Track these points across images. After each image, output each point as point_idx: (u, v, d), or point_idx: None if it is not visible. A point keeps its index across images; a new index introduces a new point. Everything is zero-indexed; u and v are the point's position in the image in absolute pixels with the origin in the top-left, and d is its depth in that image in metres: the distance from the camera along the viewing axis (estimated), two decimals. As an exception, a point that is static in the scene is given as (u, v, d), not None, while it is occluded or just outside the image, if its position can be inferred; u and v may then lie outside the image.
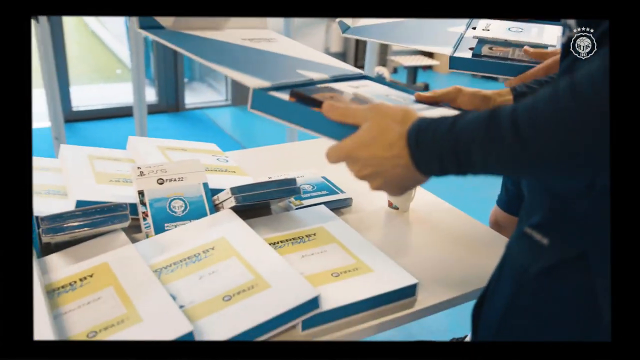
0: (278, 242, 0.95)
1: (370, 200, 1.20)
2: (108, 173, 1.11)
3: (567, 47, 0.62)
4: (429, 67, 5.68)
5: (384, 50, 5.30)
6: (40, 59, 2.41)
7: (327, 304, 0.79)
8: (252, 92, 0.72)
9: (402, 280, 0.87)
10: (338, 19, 1.24)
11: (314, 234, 0.98)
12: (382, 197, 1.20)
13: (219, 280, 0.81)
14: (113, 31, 6.96)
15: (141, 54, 2.62)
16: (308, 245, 0.95)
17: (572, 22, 0.61)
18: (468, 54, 1.17)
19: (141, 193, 0.98)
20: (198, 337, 0.71)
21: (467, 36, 1.25)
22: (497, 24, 1.29)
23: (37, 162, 1.18)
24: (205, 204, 1.02)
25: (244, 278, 0.81)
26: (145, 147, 1.24)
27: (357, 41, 5.24)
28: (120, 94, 4.75)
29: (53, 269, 0.83)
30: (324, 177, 1.24)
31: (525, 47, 1.11)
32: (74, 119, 3.94)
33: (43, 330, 0.66)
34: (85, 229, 0.86)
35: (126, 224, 0.91)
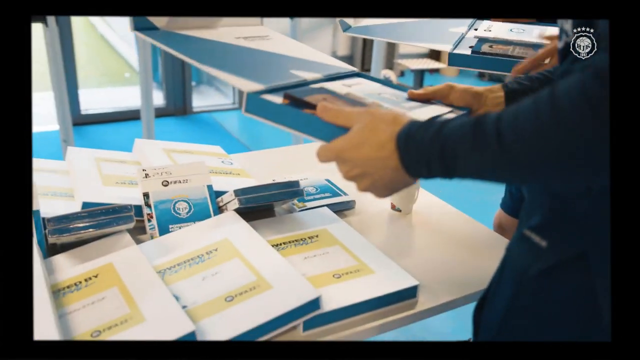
0: (281, 244, 0.96)
1: (373, 202, 1.21)
2: (114, 175, 1.13)
3: (564, 52, 0.63)
4: (436, 70, 5.68)
5: (391, 53, 5.31)
6: (49, 63, 2.44)
7: (328, 305, 0.80)
8: (246, 96, 0.73)
9: (403, 281, 0.87)
10: (339, 18, 1.24)
11: (317, 236, 0.99)
12: (384, 200, 1.21)
13: (222, 281, 0.82)
14: (121, 35, 7.01)
15: (149, 58, 2.64)
16: (310, 247, 0.96)
17: (568, 27, 0.61)
18: (467, 52, 1.18)
19: (146, 195, 0.99)
20: (200, 337, 0.71)
21: (468, 36, 1.26)
22: (499, 26, 1.30)
23: (45, 164, 1.19)
24: (209, 206, 1.03)
25: (246, 279, 0.82)
26: (151, 149, 1.25)
27: (364, 44, 5.26)
28: (128, 97, 4.78)
29: (59, 269, 0.84)
30: (327, 180, 1.25)
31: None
32: (82, 122, 3.98)
33: (48, 329, 0.67)
34: (91, 230, 0.87)
35: (131, 226, 0.92)
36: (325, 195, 1.18)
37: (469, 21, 1.33)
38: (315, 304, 0.79)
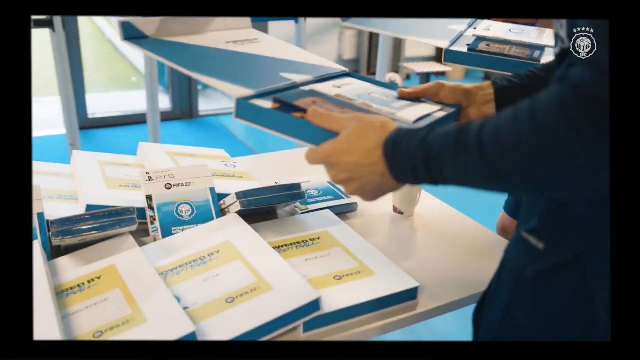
0: (282, 246, 0.97)
1: (375, 205, 1.21)
2: (118, 178, 1.14)
3: (559, 58, 0.64)
4: (442, 74, 5.67)
5: (396, 57, 5.32)
6: (56, 68, 2.46)
7: (328, 307, 0.81)
8: (236, 102, 0.74)
9: (404, 283, 0.88)
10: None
11: (318, 238, 1.00)
12: (387, 202, 1.21)
13: (223, 282, 0.83)
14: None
15: (155, 62, 2.66)
16: (312, 249, 0.96)
17: (563, 34, 0.62)
18: (464, 49, 1.18)
19: (149, 198, 1.00)
20: (200, 338, 0.72)
21: (467, 35, 1.26)
22: (498, 26, 1.30)
23: (51, 167, 1.21)
24: (212, 209, 1.04)
25: (247, 281, 0.83)
26: (155, 152, 1.27)
27: (370, 48, 5.27)
28: (135, 101, 4.81)
29: (62, 271, 0.85)
30: (329, 182, 1.26)
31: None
32: (90, 126, 4.00)
33: (50, 330, 0.68)
34: (94, 232, 0.88)
35: (133, 228, 0.93)
36: (327, 197, 1.18)
37: (468, 20, 1.33)
38: (315, 305, 0.79)
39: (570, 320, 0.64)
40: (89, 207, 0.98)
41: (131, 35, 0.82)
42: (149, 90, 2.68)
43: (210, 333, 0.73)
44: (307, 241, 0.99)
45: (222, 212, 1.05)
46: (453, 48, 1.18)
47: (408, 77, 5.75)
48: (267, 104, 0.76)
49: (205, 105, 4.60)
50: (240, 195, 1.00)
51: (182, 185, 1.04)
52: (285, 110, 0.75)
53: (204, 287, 0.82)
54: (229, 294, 0.80)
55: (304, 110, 0.74)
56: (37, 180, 1.10)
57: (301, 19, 2.84)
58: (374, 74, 4.75)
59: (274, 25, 4.37)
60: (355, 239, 1.00)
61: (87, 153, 1.24)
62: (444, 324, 2.13)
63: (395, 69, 5.36)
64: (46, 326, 0.69)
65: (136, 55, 6.35)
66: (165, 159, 1.24)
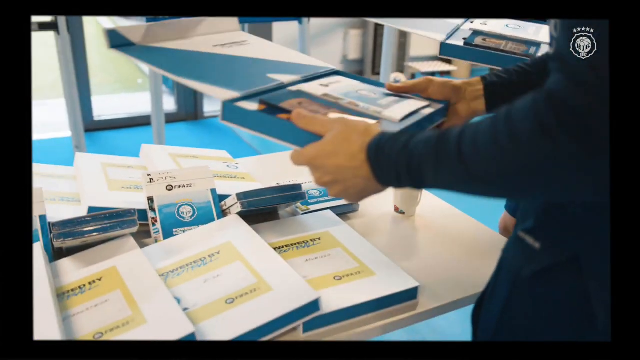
0: (283, 247, 0.97)
1: (376, 205, 1.21)
2: (120, 180, 1.14)
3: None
4: (447, 73, 5.67)
5: (401, 56, 5.31)
6: (61, 70, 2.47)
7: (328, 307, 0.81)
8: (222, 104, 0.74)
9: (403, 283, 0.88)
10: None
11: (319, 239, 1.00)
12: (388, 202, 1.21)
13: (223, 283, 0.83)
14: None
15: (159, 64, 2.66)
16: (312, 250, 0.96)
17: (556, 36, 0.62)
18: (460, 43, 1.17)
19: (150, 199, 1.01)
20: (200, 339, 0.73)
21: (463, 28, 1.25)
22: (495, 20, 1.29)
23: (54, 170, 1.22)
24: (213, 210, 1.04)
25: (247, 281, 0.83)
26: (157, 154, 1.27)
27: (375, 48, 5.26)
28: (140, 103, 4.83)
29: (64, 272, 0.86)
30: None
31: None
32: (95, 128, 4.02)
33: (51, 331, 0.69)
34: (95, 234, 0.89)
35: (134, 229, 0.93)
36: (328, 198, 1.18)
37: None
38: (314, 305, 0.79)
39: (568, 320, 0.64)
40: (91, 209, 0.99)
41: (117, 43, 0.82)
42: (154, 92, 2.69)
43: (210, 334, 0.74)
44: (307, 242, 0.99)
45: (223, 213, 1.05)
46: (449, 42, 1.18)
47: (413, 77, 5.74)
48: (253, 106, 0.76)
49: (210, 107, 4.61)
50: (241, 196, 1.00)
51: (183, 186, 1.04)
52: (271, 112, 0.75)
53: (204, 288, 0.83)
54: (229, 295, 0.80)
55: (290, 112, 0.74)
56: (40, 182, 1.11)
57: (305, 20, 2.84)
58: (378, 73, 4.75)
59: (278, 26, 4.38)
60: (356, 239, 1.01)
61: (90, 155, 1.25)
62: (447, 323, 2.13)
63: (400, 68, 5.35)
64: (46, 327, 0.69)
65: (142, 57, 6.37)
66: (167, 161, 1.24)
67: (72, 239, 0.87)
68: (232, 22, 1.04)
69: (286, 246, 0.97)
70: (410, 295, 0.88)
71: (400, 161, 0.63)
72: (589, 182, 0.52)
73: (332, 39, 5.23)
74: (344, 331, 0.82)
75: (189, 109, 4.38)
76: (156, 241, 0.98)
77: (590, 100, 0.49)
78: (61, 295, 0.81)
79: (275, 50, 1.02)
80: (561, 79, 0.52)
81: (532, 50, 1.16)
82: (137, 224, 0.93)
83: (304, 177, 1.27)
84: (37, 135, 3.86)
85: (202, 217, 1.03)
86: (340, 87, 0.90)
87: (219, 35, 1.00)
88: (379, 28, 5.03)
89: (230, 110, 0.75)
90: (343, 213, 1.17)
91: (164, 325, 0.73)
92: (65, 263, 0.88)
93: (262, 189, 1.03)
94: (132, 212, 0.94)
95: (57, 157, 3.38)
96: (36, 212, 0.90)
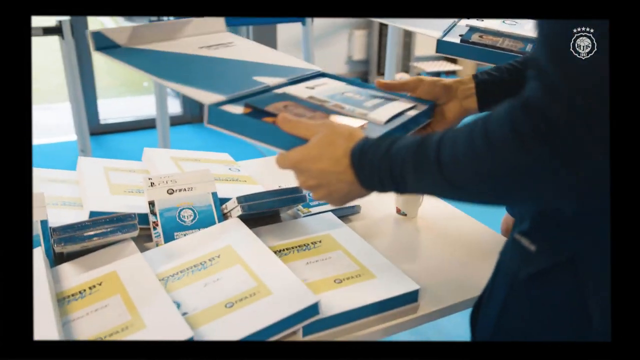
0: (284, 250, 0.97)
1: (378, 207, 1.21)
2: (122, 184, 1.15)
3: None
4: (452, 73, 5.65)
5: (406, 56, 5.30)
6: (65, 74, 2.49)
7: (328, 310, 0.81)
8: (207, 108, 0.74)
9: (404, 286, 0.87)
10: None
11: (320, 241, 1.00)
12: (390, 204, 1.21)
13: (223, 287, 0.83)
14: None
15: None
16: (313, 253, 0.96)
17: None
18: (457, 40, 1.17)
19: (151, 203, 1.01)
20: (199, 343, 0.73)
21: (460, 24, 1.24)
22: None
23: (57, 175, 1.22)
24: (214, 213, 1.04)
25: (247, 285, 0.83)
26: (159, 158, 1.27)
27: (380, 48, 5.26)
28: (146, 106, 4.84)
29: (64, 277, 0.86)
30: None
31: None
32: (101, 132, 4.04)
33: (49, 335, 0.69)
34: (95, 239, 0.89)
35: (135, 234, 0.93)
36: (330, 200, 1.18)
37: None
38: (314, 309, 0.79)
39: (565, 322, 0.63)
40: (93, 214, 0.99)
41: (102, 45, 0.82)
42: (158, 95, 2.70)
43: (209, 338, 0.74)
44: (308, 244, 0.99)
45: (224, 217, 1.05)
46: (446, 39, 1.17)
47: (418, 77, 5.72)
48: (238, 109, 0.76)
49: (215, 109, 4.62)
50: (242, 199, 1.00)
51: (184, 190, 1.04)
52: (257, 115, 0.75)
53: (204, 292, 0.83)
54: (228, 299, 0.80)
55: (275, 115, 0.74)
56: (43, 187, 1.12)
57: (308, 21, 2.84)
58: (383, 74, 4.75)
59: (282, 28, 4.38)
60: (357, 241, 1.00)
61: (93, 159, 1.26)
62: (451, 324, 2.12)
63: (405, 68, 5.34)
64: (46, 331, 0.69)
65: (147, 60, 6.39)
66: (169, 164, 1.25)
67: (72, 244, 0.87)
68: (219, 22, 1.03)
69: (287, 249, 0.97)
70: (410, 298, 0.87)
71: (383, 167, 0.63)
72: (565, 191, 0.52)
73: (337, 40, 5.24)
74: (344, 335, 0.82)
75: (195, 112, 4.39)
76: (157, 245, 0.98)
77: (566, 110, 0.49)
78: (61, 300, 0.81)
79: (262, 51, 1.02)
80: (538, 87, 0.51)
81: (529, 47, 1.15)
82: (138, 228, 0.93)
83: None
84: (43, 139, 3.88)
85: (203, 221, 1.03)
86: (326, 90, 0.90)
87: (206, 37, 0.99)
88: (383, 28, 5.03)
89: (215, 114, 0.75)
90: (344, 215, 1.17)
91: (162, 330, 0.73)
92: (65, 268, 0.89)
93: (263, 192, 1.03)
94: (133, 217, 0.94)
95: (63, 161, 3.39)
96: (37, 217, 0.91)
